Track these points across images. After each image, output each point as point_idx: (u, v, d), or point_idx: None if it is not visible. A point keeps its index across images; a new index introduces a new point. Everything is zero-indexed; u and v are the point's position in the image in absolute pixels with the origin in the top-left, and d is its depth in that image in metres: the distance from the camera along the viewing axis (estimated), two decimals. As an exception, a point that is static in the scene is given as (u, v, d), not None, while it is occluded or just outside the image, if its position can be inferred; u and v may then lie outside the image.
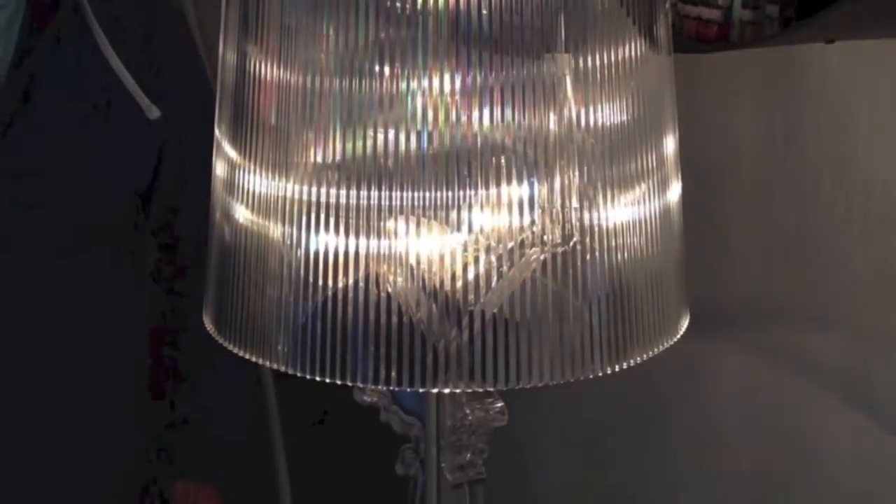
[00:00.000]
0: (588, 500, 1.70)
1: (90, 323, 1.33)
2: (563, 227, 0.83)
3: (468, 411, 0.96)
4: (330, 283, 0.83)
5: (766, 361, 1.30)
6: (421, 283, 0.84)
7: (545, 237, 0.83)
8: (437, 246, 0.84)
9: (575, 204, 0.83)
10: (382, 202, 0.83)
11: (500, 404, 0.97)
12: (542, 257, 0.83)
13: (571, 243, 0.83)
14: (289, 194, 0.86)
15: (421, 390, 0.80)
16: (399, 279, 0.84)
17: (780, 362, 1.28)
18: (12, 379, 1.31)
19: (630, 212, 0.88)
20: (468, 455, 0.98)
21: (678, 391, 1.45)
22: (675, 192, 0.94)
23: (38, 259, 1.28)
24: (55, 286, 1.30)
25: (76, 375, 1.32)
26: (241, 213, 0.89)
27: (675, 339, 0.90)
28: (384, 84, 0.83)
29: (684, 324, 0.93)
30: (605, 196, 0.86)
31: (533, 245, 0.83)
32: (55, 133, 1.24)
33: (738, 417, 1.35)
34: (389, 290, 0.83)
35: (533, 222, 0.83)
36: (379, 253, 0.83)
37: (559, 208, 0.83)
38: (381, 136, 0.83)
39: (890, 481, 1.15)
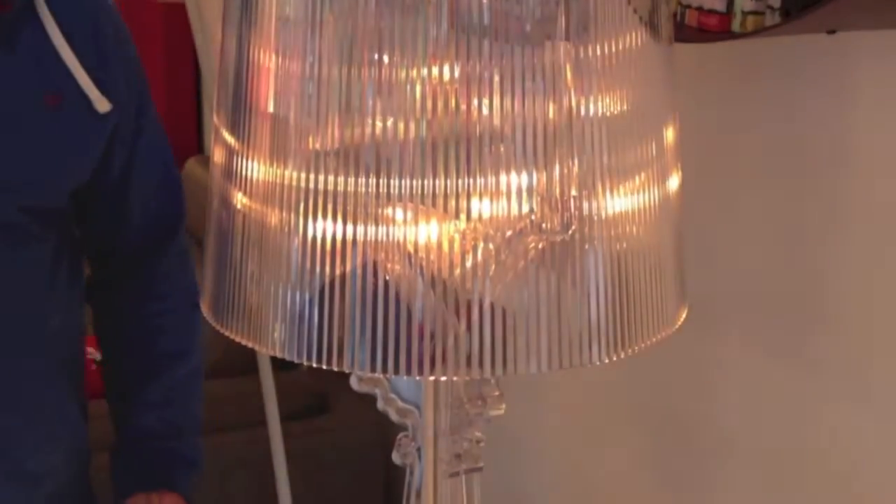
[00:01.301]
0: (585, 490, 1.70)
1: (27, 319, 1.31)
2: (562, 216, 0.83)
3: (465, 400, 0.96)
4: (328, 270, 0.83)
5: (764, 353, 1.30)
6: (419, 270, 0.83)
7: (544, 225, 0.83)
8: (435, 234, 0.83)
9: (574, 192, 0.83)
10: (381, 190, 0.83)
11: (497, 393, 0.97)
12: (540, 245, 0.82)
13: (570, 231, 0.83)
14: (287, 181, 0.86)
15: (418, 378, 0.80)
16: (397, 267, 0.84)
17: (778, 354, 1.28)
18: None
19: (629, 201, 0.87)
20: (465, 444, 0.98)
21: (676, 382, 1.45)
22: (674, 182, 0.94)
23: None
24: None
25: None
26: (240, 200, 0.89)
27: (673, 329, 0.90)
28: (383, 72, 0.83)
29: (682, 314, 0.93)
30: (604, 185, 0.85)
31: (531, 233, 0.82)
32: (5, 123, 1.23)
33: (737, 408, 1.35)
34: (387, 278, 0.83)
35: (532, 210, 0.83)
36: (377, 240, 0.83)
37: (558, 196, 0.83)
38: (379, 125, 0.83)
39: (887, 471, 1.15)
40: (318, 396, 2.52)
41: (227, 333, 0.88)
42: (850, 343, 1.18)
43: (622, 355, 0.83)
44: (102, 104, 1.26)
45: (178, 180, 1.47)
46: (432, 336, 0.81)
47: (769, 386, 1.29)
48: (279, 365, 2.47)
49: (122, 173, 1.35)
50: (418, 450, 0.98)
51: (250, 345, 0.86)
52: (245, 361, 2.40)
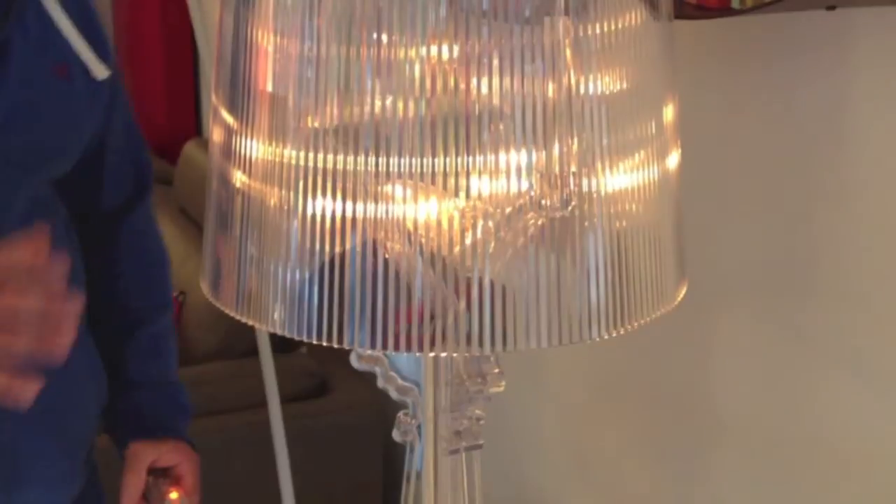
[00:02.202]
0: (585, 468, 1.70)
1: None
2: (562, 192, 0.83)
3: (465, 377, 0.96)
4: (327, 248, 0.83)
5: (762, 332, 1.30)
6: (419, 248, 0.83)
7: (543, 202, 0.83)
8: (435, 212, 0.84)
9: (573, 169, 0.83)
10: (380, 168, 0.83)
11: (497, 370, 0.97)
12: (539, 222, 0.83)
13: (570, 208, 0.83)
14: (286, 160, 0.86)
15: (418, 355, 0.80)
16: (397, 246, 0.84)
17: (775, 332, 1.28)
18: None
19: (629, 179, 0.87)
20: (465, 421, 0.98)
21: (674, 361, 1.45)
22: (673, 159, 0.94)
23: (14, 216, 1.27)
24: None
25: None
26: (239, 179, 0.89)
27: (673, 306, 0.90)
28: (382, 52, 0.83)
29: (682, 291, 0.93)
30: (603, 163, 0.85)
31: (531, 210, 0.83)
32: (24, 97, 1.25)
33: (735, 387, 1.36)
34: (387, 256, 0.83)
35: (531, 187, 0.83)
36: (376, 218, 0.83)
37: (557, 173, 0.83)
38: (378, 104, 0.83)
39: (885, 449, 1.16)
40: (318, 378, 2.52)
41: (228, 312, 0.88)
42: (849, 322, 1.18)
43: (621, 331, 0.84)
44: (101, 71, 1.28)
45: (141, 136, 1.50)
46: (432, 315, 0.81)
47: (767, 365, 1.30)
48: (279, 347, 2.48)
49: (101, 136, 1.37)
50: (418, 427, 0.98)
51: (251, 323, 0.86)
52: (245, 344, 2.41)
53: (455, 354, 0.81)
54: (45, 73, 1.26)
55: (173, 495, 1.41)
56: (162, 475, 1.42)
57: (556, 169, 0.83)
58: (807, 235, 1.22)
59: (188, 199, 3.15)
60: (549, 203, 0.83)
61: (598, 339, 0.83)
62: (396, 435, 1.00)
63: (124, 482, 1.38)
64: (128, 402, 1.45)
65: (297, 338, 0.83)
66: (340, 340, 0.81)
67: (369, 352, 0.96)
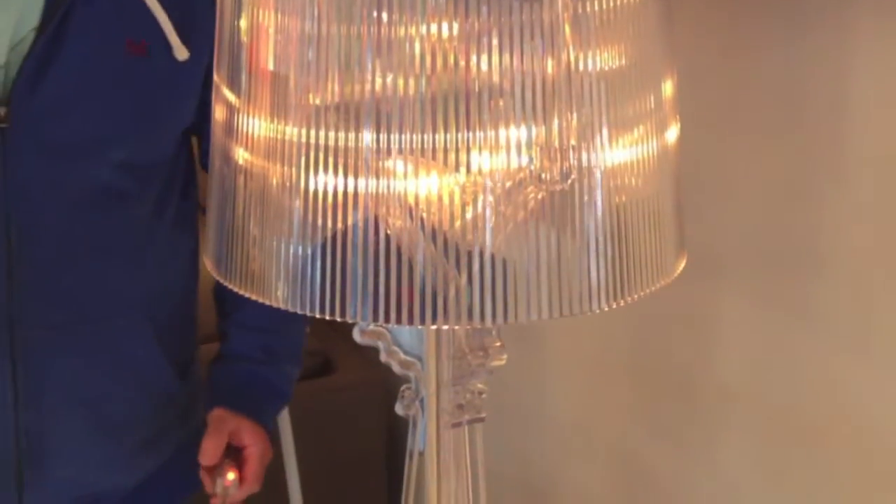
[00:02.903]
0: (587, 441, 1.71)
1: (119, 279, 1.31)
2: (561, 166, 0.84)
3: (467, 351, 0.97)
4: (329, 223, 0.84)
5: (763, 304, 1.31)
6: (420, 223, 0.84)
7: (543, 175, 0.84)
8: (435, 187, 0.84)
9: (573, 142, 0.84)
10: (381, 144, 0.83)
11: (498, 343, 0.98)
12: (540, 196, 0.83)
13: (569, 181, 0.84)
14: (288, 137, 0.87)
15: (420, 328, 0.81)
16: (398, 221, 0.85)
17: (777, 304, 1.29)
18: None
19: (628, 153, 0.88)
20: (467, 395, 0.99)
21: (676, 334, 1.46)
22: (673, 133, 0.94)
23: (76, 204, 1.26)
24: (92, 233, 1.28)
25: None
26: (241, 156, 0.90)
27: (673, 278, 0.91)
28: (382, 30, 0.83)
29: (681, 263, 0.94)
30: (602, 137, 0.86)
31: (531, 183, 0.83)
32: (89, 72, 1.22)
33: (736, 360, 1.37)
34: (389, 232, 0.84)
35: (531, 161, 0.83)
36: (378, 193, 0.84)
37: (557, 147, 0.84)
38: (379, 81, 0.84)
39: (887, 421, 1.16)
40: (321, 357, 2.54)
41: (232, 287, 0.89)
42: (851, 293, 1.19)
43: (621, 303, 0.85)
44: (181, 51, 1.24)
45: None
46: (434, 288, 0.82)
47: (769, 337, 1.30)
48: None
49: (198, 124, 1.31)
50: (421, 401, 0.99)
51: (254, 297, 0.87)
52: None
53: (457, 327, 0.82)
54: (114, 50, 1.22)
55: (230, 476, 1.39)
56: (229, 454, 1.40)
57: (556, 143, 0.84)
58: (808, 210, 1.23)
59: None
60: (548, 177, 0.84)
61: (598, 312, 0.84)
62: (399, 408, 1.01)
63: (204, 442, 1.36)
64: (224, 372, 1.44)
65: (299, 312, 0.84)
66: (343, 314, 0.82)
67: (372, 326, 0.97)
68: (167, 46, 1.24)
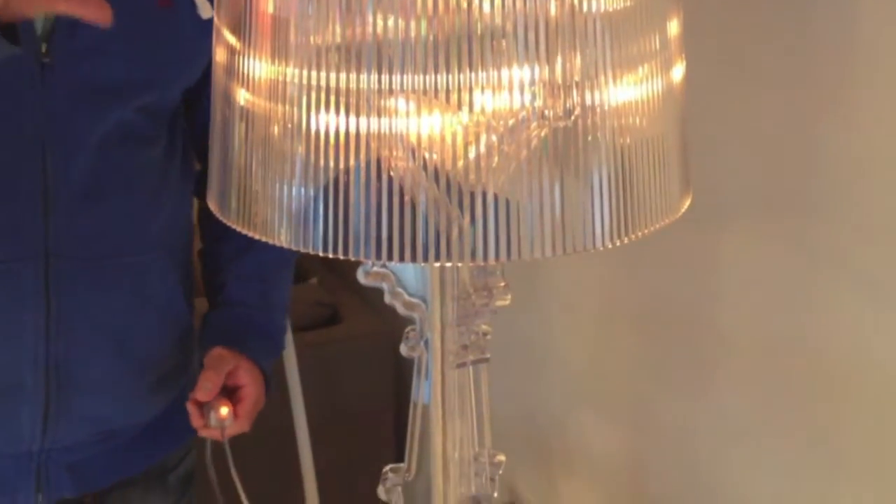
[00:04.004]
0: (591, 385, 1.72)
1: (140, 216, 1.37)
2: (565, 103, 0.83)
3: (471, 291, 0.97)
4: (332, 164, 0.84)
5: (768, 245, 1.30)
6: (423, 163, 0.84)
7: (546, 112, 0.83)
8: (438, 126, 0.84)
9: (576, 79, 0.83)
10: (383, 85, 0.83)
11: (502, 284, 0.98)
12: (543, 133, 0.83)
13: (573, 118, 0.83)
14: (289, 78, 0.86)
15: (423, 265, 0.81)
16: (401, 162, 0.84)
17: (782, 245, 1.28)
18: None
19: (632, 92, 0.87)
20: (471, 336, 1.00)
21: (678, 279, 1.46)
22: (678, 72, 0.94)
23: (103, 143, 1.31)
24: (118, 171, 1.33)
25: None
26: (243, 97, 0.90)
27: (677, 217, 0.91)
28: (383, -29, 0.83)
29: (686, 202, 0.93)
30: (606, 76, 0.85)
31: (534, 120, 0.83)
32: (125, 19, 1.26)
33: (738, 303, 1.36)
34: (392, 174, 0.84)
35: (534, 98, 0.83)
36: (380, 132, 0.83)
37: (560, 84, 0.83)
38: (381, 23, 0.83)
39: (888, 362, 1.16)
40: (329, 308, 2.54)
41: (235, 228, 0.89)
42: (856, 234, 1.18)
43: (626, 241, 0.84)
44: (206, 10, 1.30)
45: None
46: (437, 229, 0.82)
47: (772, 280, 1.30)
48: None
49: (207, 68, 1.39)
50: (425, 342, 0.99)
51: (258, 237, 0.87)
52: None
53: (460, 265, 0.82)
54: (145, 4, 1.28)
55: (223, 410, 1.41)
56: (222, 393, 1.42)
57: (559, 81, 0.83)
58: (812, 150, 1.22)
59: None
60: (551, 113, 0.83)
61: (602, 249, 0.84)
62: (404, 350, 1.01)
63: (203, 378, 1.40)
64: (223, 315, 1.49)
65: (302, 250, 0.84)
66: (346, 252, 0.82)
67: (375, 268, 0.97)
68: (192, 3, 1.31)
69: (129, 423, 1.43)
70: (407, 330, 1.01)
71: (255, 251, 1.48)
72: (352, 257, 0.82)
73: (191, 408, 1.40)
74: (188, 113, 1.44)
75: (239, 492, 1.44)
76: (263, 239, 0.86)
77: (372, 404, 2.50)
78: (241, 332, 1.47)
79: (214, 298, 1.51)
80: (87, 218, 1.31)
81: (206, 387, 1.39)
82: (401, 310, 0.99)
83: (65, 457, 1.38)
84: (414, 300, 0.99)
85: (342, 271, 2.77)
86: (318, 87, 0.84)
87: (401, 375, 2.48)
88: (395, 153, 0.84)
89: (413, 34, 0.83)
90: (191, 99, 1.41)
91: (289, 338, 2.07)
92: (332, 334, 2.50)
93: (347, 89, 0.84)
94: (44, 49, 1.24)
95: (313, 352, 2.30)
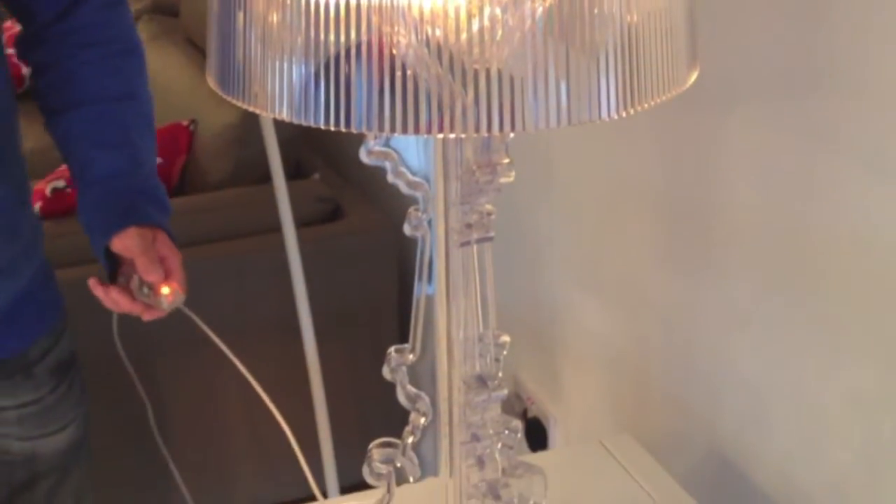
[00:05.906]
0: (595, 270, 1.72)
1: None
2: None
3: (475, 168, 0.96)
4: (332, 38, 0.82)
5: (777, 126, 1.29)
6: (425, 38, 0.82)
7: (551, -21, 0.81)
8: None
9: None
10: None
11: (507, 160, 0.97)
12: (547, 3, 0.81)
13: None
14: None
15: (426, 136, 0.80)
16: (403, 38, 0.83)
17: (791, 126, 1.27)
18: None
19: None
20: (475, 215, 0.99)
21: (687, 158, 1.45)
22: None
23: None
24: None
25: None
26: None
27: (684, 89, 0.89)
28: None
29: (693, 76, 0.92)
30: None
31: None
32: None
33: (745, 188, 1.36)
34: (394, 52, 0.82)
35: (538, -34, 0.81)
36: (381, 5, 0.81)
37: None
38: None
39: (891, 231, 1.16)
40: (331, 203, 2.54)
41: (235, 102, 0.88)
42: (864, 116, 1.17)
43: (632, 112, 0.83)
44: None
45: None
46: (440, 105, 0.81)
47: (781, 161, 1.29)
48: (292, 174, 2.48)
49: None
50: (429, 222, 0.99)
51: (258, 111, 0.86)
52: (258, 171, 2.42)
53: (463, 136, 0.81)
54: None
55: (165, 290, 1.39)
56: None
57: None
58: (824, 29, 1.20)
59: (194, 30, 3.12)
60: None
61: (607, 119, 0.83)
62: (407, 229, 1.00)
63: (142, 262, 1.35)
64: (105, 194, 1.42)
65: (304, 123, 0.82)
66: (349, 125, 0.81)
67: (378, 146, 0.96)
68: None
69: None
70: (410, 210, 1.00)
71: (112, 118, 1.42)
72: (353, 129, 0.81)
73: (116, 295, 1.37)
74: None
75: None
76: (263, 114, 0.85)
77: (375, 299, 2.52)
78: (136, 204, 1.42)
79: (84, 179, 1.44)
80: None
81: (148, 268, 1.36)
82: (404, 189, 0.98)
83: None
84: (417, 179, 0.98)
85: (344, 166, 2.76)
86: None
87: (404, 271, 2.49)
88: (396, 29, 0.82)
89: None
90: None
91: (291, 233, 2.08)
92: (335, 230, 2.50)
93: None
94: None
95: (315, 247, 2.31)
